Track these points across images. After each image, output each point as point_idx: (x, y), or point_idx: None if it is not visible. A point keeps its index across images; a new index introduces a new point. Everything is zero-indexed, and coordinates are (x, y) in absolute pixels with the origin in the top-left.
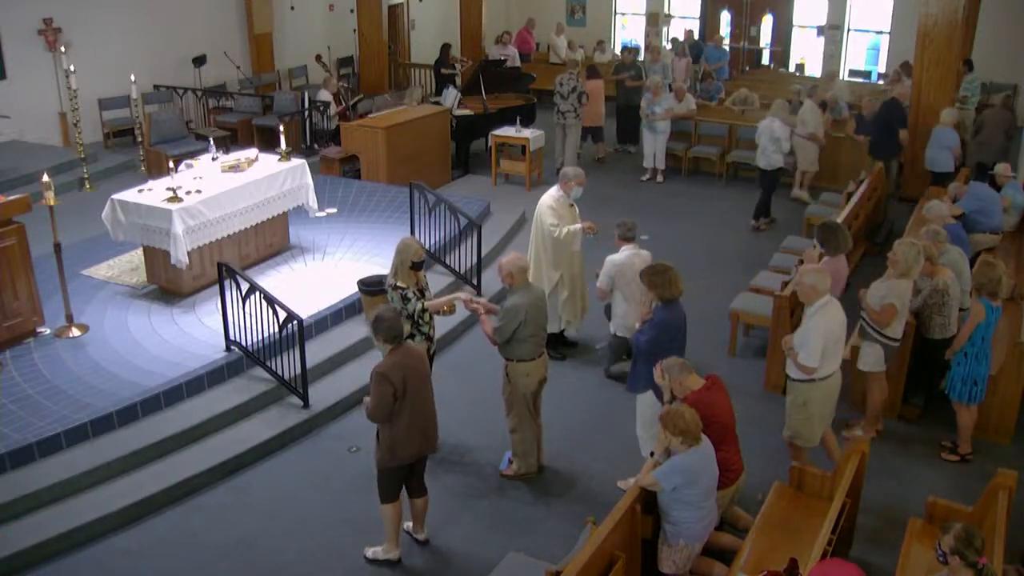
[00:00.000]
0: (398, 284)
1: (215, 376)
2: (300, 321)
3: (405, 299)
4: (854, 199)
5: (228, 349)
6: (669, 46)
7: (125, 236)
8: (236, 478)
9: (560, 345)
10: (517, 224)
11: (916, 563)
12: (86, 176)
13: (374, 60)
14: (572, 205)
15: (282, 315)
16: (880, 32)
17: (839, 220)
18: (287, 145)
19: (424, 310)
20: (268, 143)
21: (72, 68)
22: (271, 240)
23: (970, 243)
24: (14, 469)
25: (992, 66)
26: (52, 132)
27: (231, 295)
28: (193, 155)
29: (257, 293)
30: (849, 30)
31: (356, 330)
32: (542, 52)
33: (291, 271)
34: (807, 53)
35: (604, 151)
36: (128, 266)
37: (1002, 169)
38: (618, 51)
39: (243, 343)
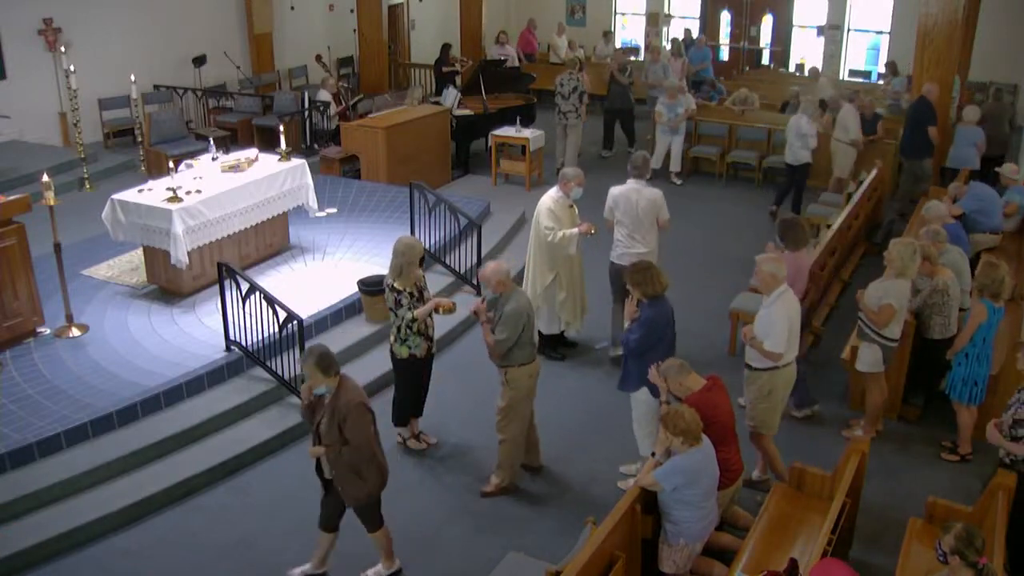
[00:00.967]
0: (395, 286)
1: (215, 376)
2: (300, 321)
3: (398, 304)
4: (854, 199)
5: (228, 349)
6: (669, 46)
7: (125, 236)
8: (236, 478)
9: (560, 345)
10: (517, 224)
11: (916, 563)
12: (86, 176)
13: (374, 60)
14: (571, 206)
15: (282, 315)
16: (880, 32)
17: (839, 220)
18: (287, 145)
19: (414, 319)
20: (268, 143)
21: (72, 68)
22: (271, 240)
23: (970, 243)
24: (14, 469)
25: (992, 66)
26: (52, 132)
27: (231, 295)
28: (193, 155)
29: (257, 293)
30: (849, 30)
31: (356, 330)
32: (544, 52)
33: (291, 271)
34: (807, 53)
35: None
36: (128, 266)
37: (1008, 171)
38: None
39: (243, 343)
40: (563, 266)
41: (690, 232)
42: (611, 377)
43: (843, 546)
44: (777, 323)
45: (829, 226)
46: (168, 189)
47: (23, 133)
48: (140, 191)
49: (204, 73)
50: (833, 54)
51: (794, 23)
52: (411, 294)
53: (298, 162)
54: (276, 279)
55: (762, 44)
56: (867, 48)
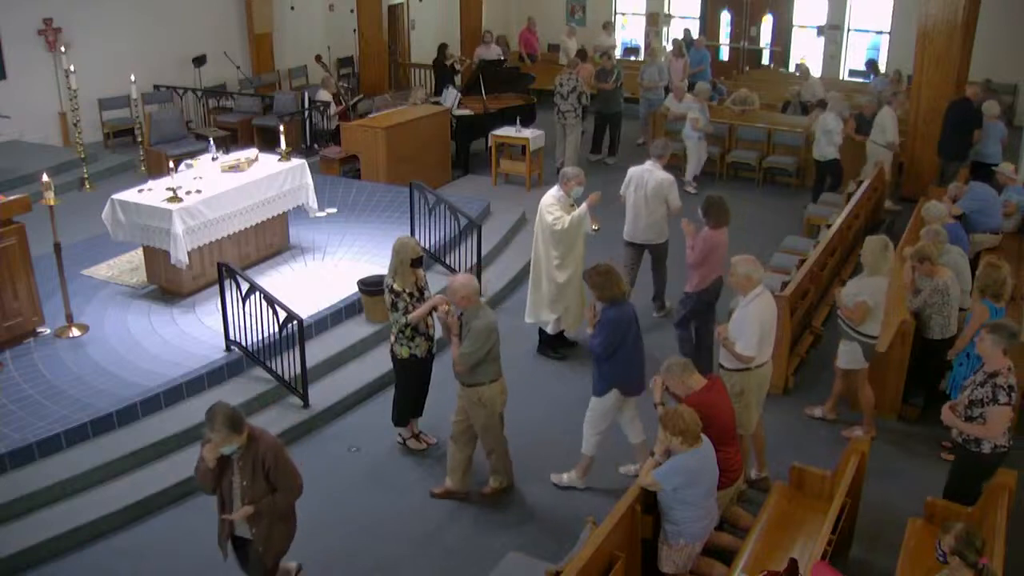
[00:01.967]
0: (394, 287)
1: (215, 376)
2: (300, 321)
3: (394, 306)
4: (854, 199)
5: (228, 349)
6: (670, 47)
7: (125, 236)
8: None
9: (560, 345)
10: (517, 224)
11: (916, 563)
12: (86, 176)
13: (374, 60)
14: (573, 204)
15: (282, 315)
16: (880, 32)
17: (839, 220)
18: (287, 145)
19: (407, 325)
20: (268, 143)
21: (72, 68)
22: (271, 240)
23: (970, 243)
24: (14, 469)
25: (992, 66)
26: (52, 132)
27: (231, 295)
28: (193, 155)
29: (257, 293)
30: (849, 30)
31: (356, 330)
32: (551, 52)
33: (291, 271)
34: (807, 53)
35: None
36: (128, 266)
37: (1007, 170)
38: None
39: (243, 343)
40: (572, 263)
41: None
42: None
43: (843, 546)
44: (750, 326)
45: (829, 226)
46: (168, 189)
47: (23, 133)
48: (140, 191)
49: (204, 73)
50: (833, 54)
51: (794, 23)
52: (411, 294)
53: (298, 162)
54: (276, 279)
55: (762, 44)
56: (867, 48)
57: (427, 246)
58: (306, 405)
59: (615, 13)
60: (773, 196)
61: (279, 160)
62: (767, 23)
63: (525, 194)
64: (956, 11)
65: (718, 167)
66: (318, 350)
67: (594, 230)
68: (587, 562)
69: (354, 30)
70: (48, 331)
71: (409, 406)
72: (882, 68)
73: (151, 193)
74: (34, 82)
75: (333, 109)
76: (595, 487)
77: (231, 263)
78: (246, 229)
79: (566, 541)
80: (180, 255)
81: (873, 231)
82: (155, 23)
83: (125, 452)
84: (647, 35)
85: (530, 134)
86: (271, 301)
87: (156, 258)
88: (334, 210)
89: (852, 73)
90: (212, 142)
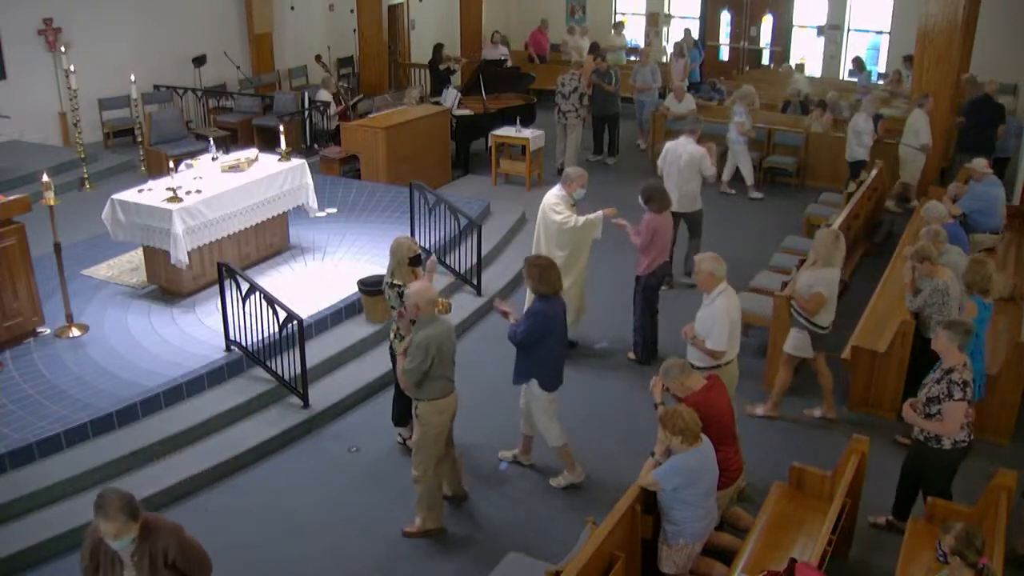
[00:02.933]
0: (395, 282)
1: (215, 376)
2: (300, 321)
3: (401, 296)
4: (854, 199)
5: (228, 349)
6: (670, 48)
7: (125, 236)
8: (236, 478)
9: None
10: (517, 224)
11: (916, 563)
12: (86, 176)
13: (374, 60)
14: (574, 205)
15: (282, 315)
16: (880, 32)
17: (839, 220)
18: (287, 145)
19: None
20: (268, 143)
21: (72, 68)
22: (271, 240)
23: (970, 243)
24: (14, 469)
25: (992, 66)
26: (52, 132)
27: (231, 295)
28: (193, 155)
29: (257, 293)
30: (849, 30)
31: (356, 330)
32: (555, 52)
33: (291, 271)
34: (807, 53)
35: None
36: (128, 266)
37: (979, 165)
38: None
39: (243, 343)
40: (575, 264)
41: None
42: (611, 377)
43: (843, 546)
44: (719, 322)
45: (829, 226)
46: (168, 189)
47: (23, 133)
48: (140, 191)
49: (204, 73)
50: (833, 54)
51: (794, 23)
52: None
53: (298, 162)
54: (276, 279)
55: (762, 44)
56: (867, 48)
57: (427, 246)
58: (306, 405)
59: (615, 13)
60: (773, 196)
61: (279, 160)
62: (767, 23)
63: (525, 194)
64: (956, 11)
65: (719, 167)
66: (318, 350)
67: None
68: (587, 562)
69: (354, 30)
70: (48, 331)
71: (409, 405)
72: (882, 68)
73: (151, 193)
74: (34, 82)
75: (333, 109)
76: (595, 487)
77: (231, 263)
78: (246, 229)
79: (566, 541)
80: (180, 255)
81: (874, 231)
82: (155, 23)
83: (125, 452)
84: (647, 35)
85: (530, 134)
86: (271, 301)
87: (156, 258)
88: (334, 210)
89: (852, 73)
90: (212, 142)
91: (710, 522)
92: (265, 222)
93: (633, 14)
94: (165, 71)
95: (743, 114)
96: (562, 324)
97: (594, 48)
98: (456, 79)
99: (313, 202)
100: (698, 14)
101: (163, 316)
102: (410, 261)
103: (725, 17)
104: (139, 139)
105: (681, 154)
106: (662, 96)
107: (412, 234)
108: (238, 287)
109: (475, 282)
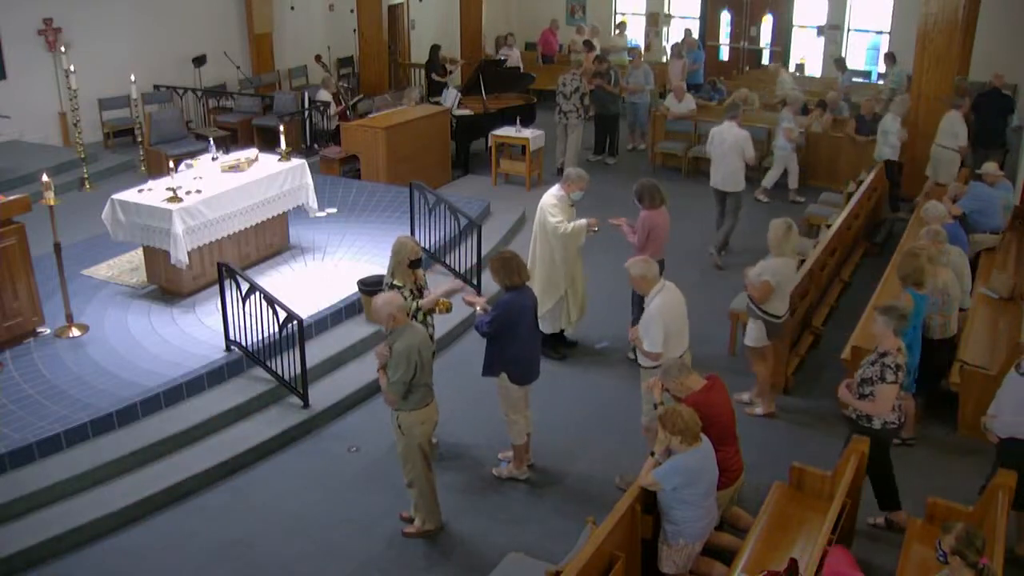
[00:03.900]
0: (395, 283)
1: (215, 376)
2: (300, 321)
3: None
4: (854, 199)
5: (228, 349)
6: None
7: (125, 236)
8: (236, 478)
9: (560, 345)
10: (517, 224)
11: (916, 563)
12: (86, 176)
13: (374, 60)
14: (572, 205)
15: (282, 315)
16: (880, 32)
17: (839, 220)
18: (287, 145)
19: (419, 309)
20: (268, 143)
21: (72, 68)
22: (271, 240)
23: (970, 243)
24: (14, 469)
25: (992, 66)
26: (52, 132)
27: (231, 295)
28: (193, 155)
29: (257, 293)
30: (849, 30)
31: (356, 330)
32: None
33: (291, 271)
34: (807, 53)
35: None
36: (128, 266)
37: (991, 169)
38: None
39: (243, 343)
40: (571, 263)
41: (691, 231)
42: (611, 377)
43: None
44: (653, 324)
45: (829, 226)
46: (168, 189)
47: (23, 133)
48: (140, 191)
49: (204, 73)
50: (833, 54)
51: (794, 23)
52: (411, 291)
53: (298, 162)
54: (276, 279)
55: (762, 44)
56: (867, 48)
57: (427, 246)
58: (306, 405)
59: (615, 13)
60: (773, 196)
61: (279, 160)
62: (767, 23)
63: (525, 194)
64: (956, 11)
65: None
66: (318, 350)
67: (593, 231)
68: (587, 562)
69: (354, 30)
70: (48, 331)
71: None
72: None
73: (151, 193)
74: (34, 82)
75: (333, 109)
76: (595, 487)
77: (231, 263)
78: (246, 229)
79: (566, 541)
80: (180, 255)
81: (874, 232)
82: (155, 23)
83: (125, 452)
84: (647, 35)
85: (530, 134)
86: (271, 301)
87: (156, 258)
88: (334, 210)
89: (852, 73)
90: (212, 142)
91: (710, 522)
92: (265, 222)
93: (633, 14)
94: (165, 71)
95: (790, 120)
96: (531, 315)
97: (588, 45)
98: (455, 79)
99: (313, 202)
100: (698, 14)
101: (163, 316)
102: (411, 264)
103: (725, 17)
104: (139, 139)
105: (727, 138)
106: (662, 96)
107: (412, 234)
108: (238, 287)
109: (475, 282)
